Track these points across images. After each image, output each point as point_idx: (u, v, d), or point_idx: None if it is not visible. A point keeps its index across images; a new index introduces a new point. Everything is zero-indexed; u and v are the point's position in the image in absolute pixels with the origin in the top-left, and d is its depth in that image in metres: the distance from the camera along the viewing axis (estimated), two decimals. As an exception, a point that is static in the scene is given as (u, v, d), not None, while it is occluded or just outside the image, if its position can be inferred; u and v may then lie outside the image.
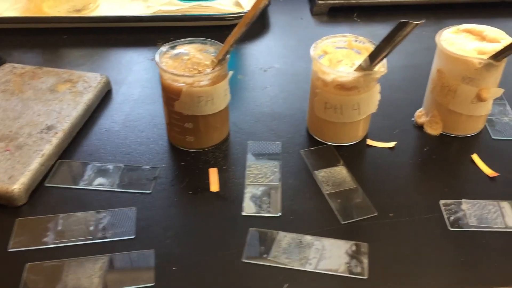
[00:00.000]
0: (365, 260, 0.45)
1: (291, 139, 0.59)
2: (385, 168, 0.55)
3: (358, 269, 0.44)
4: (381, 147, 0.57)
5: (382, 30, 0.55)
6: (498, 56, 0.51)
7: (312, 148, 0.57)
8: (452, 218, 0.48)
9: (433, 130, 0.59)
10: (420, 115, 0.61)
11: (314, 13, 0.85)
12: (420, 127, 0.60)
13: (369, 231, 0.48)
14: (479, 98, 0.55)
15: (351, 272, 0.44)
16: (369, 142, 0.58)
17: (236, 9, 0.83)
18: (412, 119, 0.61)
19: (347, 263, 0.44)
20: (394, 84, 0.68)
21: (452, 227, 0.48)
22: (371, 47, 0.55)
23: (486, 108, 0.57)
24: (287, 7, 0.88)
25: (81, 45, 0.77)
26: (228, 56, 0.53)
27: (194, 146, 0.56)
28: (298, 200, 0.51)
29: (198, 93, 0.52)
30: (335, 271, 0.44)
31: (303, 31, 0.82)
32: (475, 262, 0.45)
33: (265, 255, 0.45)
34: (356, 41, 0.57)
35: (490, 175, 0.53)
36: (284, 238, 0.47)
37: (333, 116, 0.55)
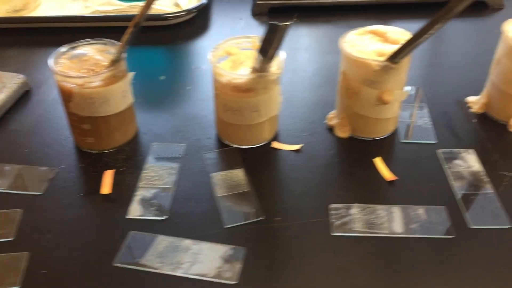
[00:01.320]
0: (239, 265, 0.44)
1: (198, 141, 0.58)
2: (285, 171, 0.54)
3: (228, 274, 0.43)
4: (286, 150, 0.57)
5: (322, 30, 0.54)
6: (394, 58, 0.50)
7: (215, 151, 0.56)
8: (337, 222, 0.48)
9: (342, 132, 0.58)
10: (332, 117, 0.60)
11: (254, 14, 0.84)
12: (332, 129, 0.59)
13: (252, 235, 0.47)
14: (382, 101, 0.54)
15: (220, 277, 0.43)
16: (274, 144, 0.57)
17: (174, 9, 0.83)
18: (325, 121, 0.61)
19: (219, 268, 0.44)
20: (312, 86, 0.67)
21: (335, 232, 0.47)
22: (273, 48, 0.55)
23: (392, 111, 0.56)
24: (229, 7, 0.88)
25: (15, 45, 0.77)
26: (123, 56, 0.53)
27: (95, 148, 0.56)
28: (188, 203, 0.50)
29: (90, 94, 0.51)
30: (205, 275, 0.43)
31: (241, 32, 0.81)
32: (351, 268, 0.44)
33: (138, 259, 0.44)
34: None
35: (388, 179, 0.52)
36: (162, 242, 0.46)
37: (233, 118, 0.54)
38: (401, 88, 0.55)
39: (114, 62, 0.51)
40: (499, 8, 0.84)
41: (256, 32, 0.82)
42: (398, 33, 0.54)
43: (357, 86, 0.54)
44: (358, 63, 0.52)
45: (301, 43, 0.77)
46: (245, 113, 0.53)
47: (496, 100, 0.59)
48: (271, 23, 0.42)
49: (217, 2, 0.90)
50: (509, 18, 0.79)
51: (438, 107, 0.62)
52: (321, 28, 0.83)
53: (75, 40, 0.56)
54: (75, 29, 0.80)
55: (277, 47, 0.46)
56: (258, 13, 0.84)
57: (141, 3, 0.83)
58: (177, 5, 0.84)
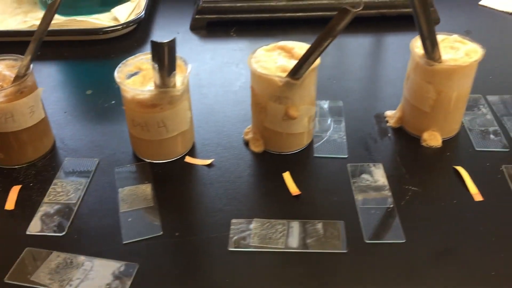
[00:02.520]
0: (129, 282, 0.44)
1: (113, 156, 0.58)
2: (194, 186, 0.55)
3: (116, 291, 0.43)
4: (199, 164, 0.57)
5: (258, 45, 0.55)
6: (294, 74, 0.51)
7: (127, 166, 0.57)
8: (235, 238, 0.48)
9: (256, 147, 0.59)
10: (247, 132, 0.60)
11: (192, 28, 0.85)
12: (248, 144, 0.60)
13: (148, 251, 0.47)
14: (289, 116, 0.54)
15: (107, 294, 0.43)
16: (187, 159, 0.58)
17: (112, 23, 0.84)
18: (242, 136, 0.61)
19: (108, 285, 0.43)
20: (235, 100, 0.67)
21: (231, 247, 0.47)
22: (182, 65, 0.55)
23: (302, 126, 0.56)
24: (170, 21, 0.89)
25: None
26: (28, 72, 0.53)
27: (6, 163, 0.56)
28: (91, 219, 0.50)
29: (-6, 110, 0.52)
30: (92, 292, 0.43)
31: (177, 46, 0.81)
32: (245, 283, 0.44)
33: (29, 276, 0.44)
34: (170, 58, 0.56)
35: (294, 194, 0.53)
36: (56, 259, 0.46)
37: (141, 134, 0.54)
38: (308, 103, 0.55)
39: (18, 77, 0.52)
40: (435, 22, 0.85)
41: (191, 46, 0.84)
42: (304, 49, 0.55)
43: (264, 101, 0.54)
44: (262, 79, 0.53)
45: (235, 57, 0.78)
46: (152, 128, 0.53)
47: (408, 115, 0.60)
48: (152, 41, 0.42)
49: (159, 15, 0.91)
50: (445, 31, 0.82)
51: (356, 121, 0.63)
52: (258, 42, 0.83)
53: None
54: (13, 43, 0.80)
55: (168, 64, 0.46)
56: (196, 27, 0.85)
57: (79, 18, 0.84)
58: (115, 19, 0.85)
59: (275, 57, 0.55)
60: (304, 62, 0.48)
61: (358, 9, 0.41)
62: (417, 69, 0.57)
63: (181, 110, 0.54)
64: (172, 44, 0.43)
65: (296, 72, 0.51)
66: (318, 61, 0.53)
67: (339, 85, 0.70)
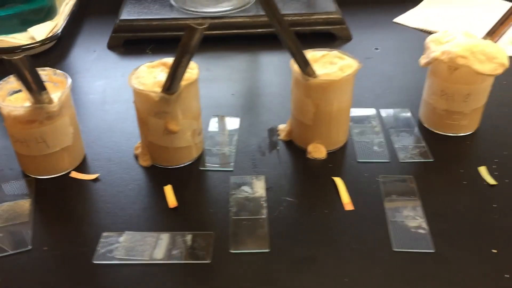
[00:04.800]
0: (-15, 296, 0.44)
1: (1, 173, 0.58)
2: (74, 201, 0.55)
3: (-31, 306, 0.43)
4: (85, 179, 0.58)
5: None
6: (167, 89, 0.52)
7: (11, 182, 0.57)
8: (102, 250, 0.48)
9: (144, 161, 0.59)
10: (138, 147, 0.61)
11: (108, 46, 0.86)
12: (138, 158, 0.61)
13: (12, 266, 0.47)
14: (169, 131, 0.55)
15: (-41, 309, 0.43)
16: (72, 174, 0.58)
17: (28, 42, 0.85)
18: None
19: (-37, 300, 0.44)
20: (133, 115, 0.67)
21: (96, 260, 0.48)
22: (65, 80, 0.56)
23: (186, 140, 0.57)
24: (89, 38, 0.90)
25: None
26: None
27: None
28: (-37, 235, 0.51)
29: None
30: None
31: (90, 64, 0.82)
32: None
33: None
34: (55, 74, 0.57)
35: (171, 206, 0.54)
36: None
37: (22, 149, 0.55)
38: (190, 118, 0.56)
39: None
40: (347, 39, 0.88)
41: (106, 64, 0.85)
42: (182, 65, 0.56)
43: (145, 116, 0.56)
44: (140, 95, 0.54)
45: (146, 74, 0.79)
46: (31, 144, 0.54)
47: (295, 128, 0.62)
48: (4, 59, 0.43)
49: (82, 33, 0.92)
50: (360, 48, 0.84)
51: (250, 135, 0.64)
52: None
53: None
54: None
55: (33, 80, 0.47)
56: (113, 45, 0.86)
57: (8, 36, 0.85)
58: (32, 38, 0.86)
59: (156, 73, 0.57)
60: (171, 77, 0.50)
61: (204, 26, 0.42)
62: (296, 84, 0.58)
63: (61, 126, 0.55)
64: (23, 61, 0.44)
65: (169, 88, 0.52)
66: (194, 75, 0.55)
67: (241, 100, 0.72)
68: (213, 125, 0.66)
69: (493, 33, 0.60)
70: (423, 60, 0.61)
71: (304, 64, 0.55)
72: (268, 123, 0.67)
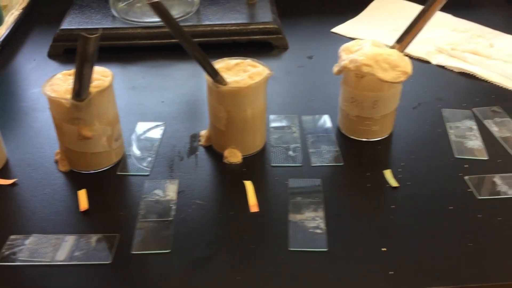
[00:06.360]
0: None
1: None
2: (-11, 205, 0.57)
3: None
4: (1, 184, 0.59)
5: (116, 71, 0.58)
6: (76, 96, 0.54)
7: None
8: (7, 253, 0.50)
9: (62, 166, 0.61)
10: (58, 153, 0.63)
11: (49, 55, 0.88)
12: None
13: None
14: (82, 137, 0.57)
15: None
16: (-11, 179, 0.60)
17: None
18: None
19: None
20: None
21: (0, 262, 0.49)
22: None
23: (101, 145, 0.59)
24: (33, 48, 0.91)
25: None
26: None
27: None
28: None
29: None
30: None
31: (29, 72, 0.84)
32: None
33: None
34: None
35: (82, 209, 0.55)
36: None
37: None
38: (105, 124, 0.58)
39: None
40: (284, 48, 0.91)
41: (45, 73, 0.86)
42: (95, 73, 0.58)
43: (59, 122, 0.57)
44: (53, 101, 0.56)
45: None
46: None
47: (213, 134, 0.64)
48: None
49: (27, 42, 0.93)
50: (295, 56, 0.87)
51: (173, 140, 0.66)
52: (110, 68, 0.87)
53: None
54: None
55: None
56: (53, 54, 0.88)
57: None
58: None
59: (71, 80, 0.58)
60: (77, 85, 0.52)
61: (96, 35, 0.44)
62: (210, 91, 0.60)
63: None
64: None
65: (77, 94, 0.54)
66: (107, 83, 0.57)
67: (170, 107, 0.73)
68: (138, 130, 0.68)
69: (401, 41, 0.63)
70: (335, 68, 0.64)
71: (213, 72, 0.57)
72: (192, 129, 0.69)
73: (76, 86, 0.52)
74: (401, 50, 0.63)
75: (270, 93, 0.75)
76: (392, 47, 0.63)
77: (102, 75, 0.58)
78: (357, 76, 0.61)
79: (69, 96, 0.55)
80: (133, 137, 0.67)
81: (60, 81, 0.58)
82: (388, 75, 0.60)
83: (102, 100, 0.57)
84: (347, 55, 0.63)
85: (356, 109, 0.63)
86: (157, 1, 0.47)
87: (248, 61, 0.62)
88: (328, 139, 0.66)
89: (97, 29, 0.87)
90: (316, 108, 0.73)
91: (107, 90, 0.57)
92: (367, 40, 0.64)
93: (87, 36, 0.44)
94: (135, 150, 0.64)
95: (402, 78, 0.60)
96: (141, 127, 0.69)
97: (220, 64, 0.62)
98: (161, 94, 0.77)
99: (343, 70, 0.62)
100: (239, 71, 0.61)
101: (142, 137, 0.67)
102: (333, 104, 0.73)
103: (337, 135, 0.67)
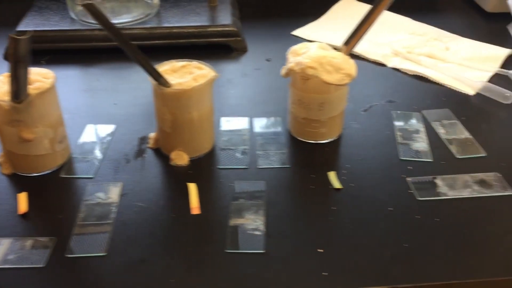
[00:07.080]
0: None
1: None
2: None
3: None
4: None
5: (66, 72, 0.57)
6: (15, 98, 0.54)
7: None
8: None
9: (5, 169, 0.60)
10: (2, 155, 0.62)
11: (4, 57, 0.87)
12: (2, 167, 0.62)
13: None
14: (23, 139, 0.57)
15: None
16: None
17: None
18: (0, 159, 0.63)
19: None
20: None
21: None
22: None
23: (43, 148, 0.58)
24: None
25: None
26: None
27: None
28: None
29: None
30: None
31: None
32: None
33: None
34: None
35: (20, 212, 0.55)
36: None
37: None
38: (47, 126, 0.58)
39: None
40: (243, 51, 0.91)
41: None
42: (36, 75, 0.58)
43: (0, 125, 0.57)
44: (-8, 103, 0.56)
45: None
46: None
47: (160, 136, 0.64)
48: None
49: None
50: (253, 59, 0.87)
51: (121, 143, 0.66)
52: (67, 70, 0.86)
53: None
54: None
55: None
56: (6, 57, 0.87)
57: None
58: None
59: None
60: (13, 86, 0.51)
61: (25, 36, 0.44)
62: (155, 94, 0.60)
63: None
64: None
65: (16, 96, 0.53)
66: (48, 84, 0.56)
67: (121, 110, 0.73)
68: (86, 133, 0.68)
69: (348, 44, 0.64)
70: (283, 70, 0.64)
71: (155, 75, 0.57)
72: (142, 132, 0.68)
73: (13, 87, 0.51)
74: (347, 52, 0.63)
75: (225, 95, 0.76)
76: (339, 50, 0.64)
77: (44, 76, 0.58)
78: (303, 79, 0.61)
79: (7, 98, 0.55)
80: (81, 139, 0.67)
81: (1, 83, 0.57)
82: (332, 78, 0.60)
83: (43, 102, 0.56)
84: (294, 57, 0.63)
85: (304, 111, 0.64)
86: (90, 3, 0.46)
87: (195, 63, 0.62)
88: (277, 141, 0.66)
89: (54, 30, 0.88)
90: (269, 111, 0.73)
91: (48, 92, 0.57)
92: (315, 42, 0.64)
93: (16, 38, 0.44)
94: (82, 153, 0.64)
95: (346, 80, 0.61)
96: (90, 129, 0.69)
97: (166, 66, 0.62)
98: (115, 96, 0.77)
99: (290, 72, 0.63)
100: (184, 73, 0.61)
101: (90, 139, 0.67)
102: (285, 106, 0.73)
103: (287, 138, 0.67)
